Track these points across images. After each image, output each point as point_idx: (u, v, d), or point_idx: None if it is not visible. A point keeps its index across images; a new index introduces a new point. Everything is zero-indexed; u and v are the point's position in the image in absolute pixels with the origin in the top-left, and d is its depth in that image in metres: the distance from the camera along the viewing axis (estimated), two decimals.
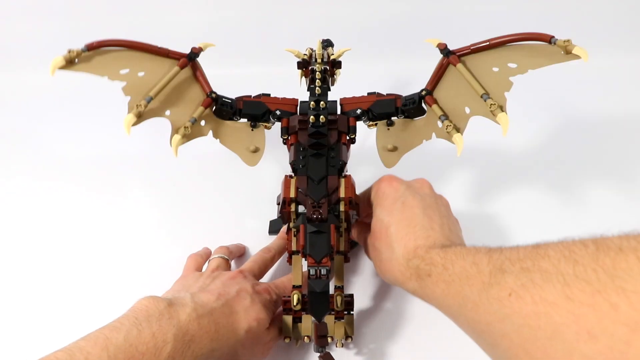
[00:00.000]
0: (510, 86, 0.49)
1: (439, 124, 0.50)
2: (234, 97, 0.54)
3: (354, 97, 0.53)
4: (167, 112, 0.52)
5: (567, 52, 0.49)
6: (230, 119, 0.53)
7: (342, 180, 0.47)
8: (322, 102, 0.48)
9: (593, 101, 0.79)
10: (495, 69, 0.50)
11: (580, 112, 0.77)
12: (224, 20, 0.86)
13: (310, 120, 0.48)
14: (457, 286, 0.35)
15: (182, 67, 0.53)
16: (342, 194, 0.46)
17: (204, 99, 0.52)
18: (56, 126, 0.78)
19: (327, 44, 0.58)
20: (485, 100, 0.48)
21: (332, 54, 0.54)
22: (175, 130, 0.51)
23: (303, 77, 0.55)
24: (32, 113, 0.82)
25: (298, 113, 0.51)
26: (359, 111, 0.51)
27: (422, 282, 0.38)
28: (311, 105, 0.48)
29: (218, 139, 0.53)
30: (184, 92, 0.53)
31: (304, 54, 0.54)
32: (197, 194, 0.65)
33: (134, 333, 0.35)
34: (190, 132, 0.50)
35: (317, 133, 0.48)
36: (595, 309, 0.24)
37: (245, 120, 0.53)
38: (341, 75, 0.55)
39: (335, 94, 0.53)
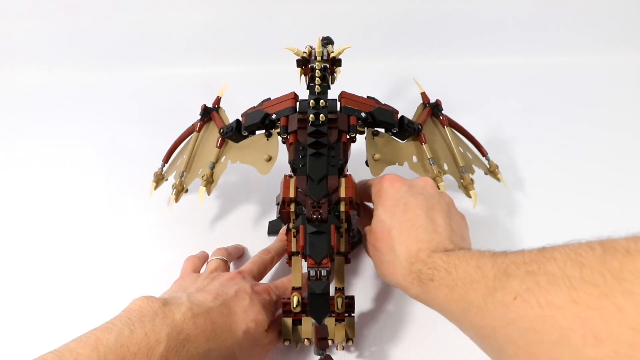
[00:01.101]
0: (473, 172, 0.56)
1: (414, 159, 0.54)
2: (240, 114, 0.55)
3: (354, 95, 0.53)
4: (200, 171, 0.55)
5: (491, 171, 0.59)
6: (243, 136, 0.54)
7: (343, 180, 0.46)
8: (322, 101, 0.48)
9: (600, 99, 0.79)
10: (461, 150, 0.57)
11: (587, 110, 0.77)
12: (223, 18, 0.86)
13: (310, 119, 0.47)
14: (460, 291, 0.34)
15: (199, 130, 0.58)
16: (342, 194, 0.45)
17: (217, 139, 0.54)
18: (53, 126, 0.78)
19: (326, 41, 0.58)
20: (463, 173, 0.54)
21: (332, 52, 0.53)
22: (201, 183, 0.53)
23: (302, 75, 0.54)
24: (29, 112, 0.82)
25: (297, 109, 0.51)
26: (363, 114, 0.51)
27: (425, 287, 0.38)
28: (311, 104, 0.48)
29: (238, 162, 0.53)
30: (208, 143, 0.56)
31: (304, 52, 0.53)
32: (195, 195, 0.64)
33: (125, 333, 0.35)
34: (208, 177, 0.53)
35: (317, 132, 0.47)
36: (602, 313, 0.24)
37: (263, 131, 0.53)
38: (341, 73, 0.55)
39: (335, 92, 0.52)
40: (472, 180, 0.55)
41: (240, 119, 0.54)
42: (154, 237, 0.60)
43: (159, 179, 0.60)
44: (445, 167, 0.55)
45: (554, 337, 0.26)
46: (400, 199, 0.44)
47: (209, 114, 0.58)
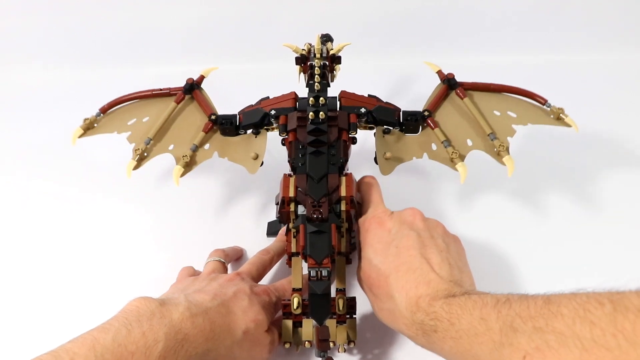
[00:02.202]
0: (513, 133, 0.53)
1: (434, 146, 0.52)
2: (237, 111, 0.54)
3: (354, 94, 0.53)
4: (171, 147, 0.53)
5: (557, 118, 0.55)
6: (237, 134, 0.53)
7: (343, 179, 0.46)
8: (321, 98, 0.48)
9: (603, 97, 0.79)
10: (497, 113, 0.54)
11: (590, 108, 0.76)
12: (220, 15, 0.86)
13: (310, 117, 0.47)
14: (465, 344, 0.34)
15: (178, 102, 0.56)
16: (343, 193, 0.46)
17: (205, 123, 0.53)
18: (46, 126, 0.78)
19: (326, 38, 0.58)
20: (492, 140, 0.51)
21: (332, 49, 0.53)
22: (177, 162, 0.52)
23: (302, 73, 0.54)
24: (22, 111, 0.81)
25: (297, 108, 0.51)
26: (363, 110, 0.51)
27: (429, 338, 0.37)
28: (310, 102, 0.48)
29: (226, 158, 0.53)
30: (188, 122, 0.55)
31: (303, 49, 0.54)
32: (192, 195, 0.64)
33: (123, 333, 0.35)
34: (190, 159, 0.52)
35: (317, 130, 0.47)
36: None
37: (250, 131, 0.53)
38: (341, 71, 0.55)
39: (334, 90, 0.52)
40: (503, 145, 0.51)
41: (238, 116, 0.54)
42: (150, 238, 0.60)
43: (88, 127, 0.56)
44: (470, 142, 0.52)
45: None
46: (391, 242, 0.43)
47: (192, 91, 0.57)
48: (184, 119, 0.56)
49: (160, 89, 0.57)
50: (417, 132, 0.53)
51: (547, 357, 0.27)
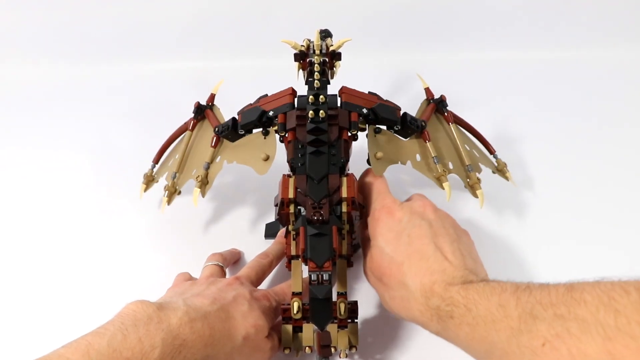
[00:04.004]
0: (480, 171, 0.56)
1: (418, 157, 0.54)
2: (237, 110, 0.55)
3: (355, 90, 0.53)
4: (194, 172, 0.55)
5: (498, 170, 0.60)
6: (241, 135, 0.54)
7: (344, 179, 0.46)
8: (321, 96, 0.48)
9: (610, 95, 0.79)
10: (467, 148, 0.57)
11: (597, 106, 0.77)
12: (217, 10, 0.86)
13: (309, 115, 0.48)
14: (482, 330, 0.34)
15: (193, 129, 0.58)
16: (344, 194, 0.46)
17: (212, 138, 0.55)
18: (39, 125, 0.78)
19: (325, 34, 0.58)
20: (469, 172, 0.55)
21: (331, 45, 0.53)
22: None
23: (301, 70, 0.55)
24: (17, 109, 0.81)
25: (296, 106, 0.51)
26: (365, 110, 0.51)
27: (444, 324, 0.37)
28: (310, 100, 0.48)
29: (234, 162, 0.53)
30: (204, 143, 0.56)
31: (302, 45, 0.54)
32: (189, 195, 0.64)
33: (118, 338, 0.35)
34: (202, 178, 0.53)
35: (317, 129, 0.47)
36: None
37: (260, 129, 0.53)
38: (341, 67, 0.55)
39: (334, 87, 0.53)
40: (479, 179, 0.55)
41: (237, 117, 0.54)
42: (146, 242, 0.60)
43: (149, 180, 0.60)
44: (451, 165, 0.54)
45: None
46: (402, 231, 0.44)
47: (202, 112, 0.58)
48: (200, 141, 0.57)
49: (184, 124, 0.60)
50: (405, 138, 0.54)
51: (568, 344, 0.27)
